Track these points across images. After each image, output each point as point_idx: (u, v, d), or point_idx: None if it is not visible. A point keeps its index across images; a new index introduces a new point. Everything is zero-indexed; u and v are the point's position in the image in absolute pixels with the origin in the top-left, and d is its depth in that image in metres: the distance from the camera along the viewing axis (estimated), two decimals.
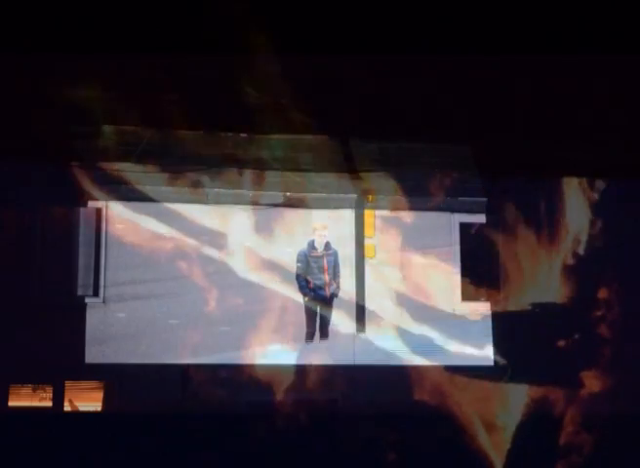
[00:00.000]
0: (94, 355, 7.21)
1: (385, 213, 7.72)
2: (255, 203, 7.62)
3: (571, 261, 7.32)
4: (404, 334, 7.52)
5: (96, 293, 7.38)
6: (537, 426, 6.92)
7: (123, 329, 7.40)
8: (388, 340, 7.51)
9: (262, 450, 6.71)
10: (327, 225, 7.63)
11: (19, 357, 6.97)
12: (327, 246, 7.56)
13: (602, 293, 7.20)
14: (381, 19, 5.69)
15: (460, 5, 5.65)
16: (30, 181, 7.15)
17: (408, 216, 7.75)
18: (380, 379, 7.20)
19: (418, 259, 7.68)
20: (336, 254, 7.60)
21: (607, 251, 7.29)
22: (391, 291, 7.69)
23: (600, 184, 7.33)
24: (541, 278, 7.32)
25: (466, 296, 7.57)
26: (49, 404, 7.11)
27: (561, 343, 7.19)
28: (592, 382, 7.04)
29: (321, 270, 7.51)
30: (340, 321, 7.57)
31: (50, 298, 7.18)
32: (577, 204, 7.34)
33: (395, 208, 7.68)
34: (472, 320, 7.57)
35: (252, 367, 7.27)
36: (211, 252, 7.68)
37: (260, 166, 7.42)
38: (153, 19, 5.67)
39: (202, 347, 7.38)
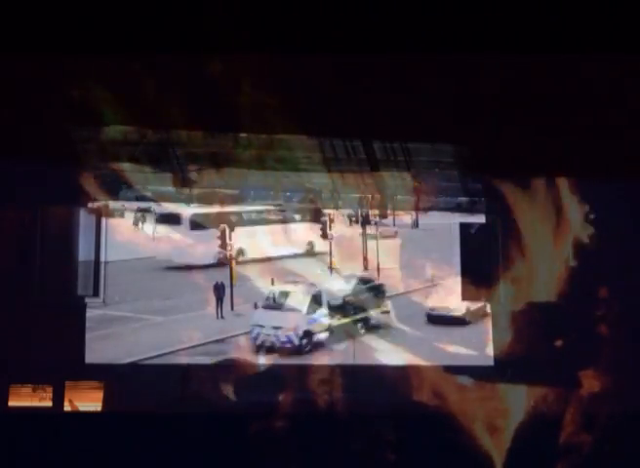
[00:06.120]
0: (94, 355, 7.21)
1: (386, 213, 7.72)
2: (255, 203, 7.63)
3: (571, 261, 7.31)
4: (404, 334, 7.51)
5: (96, 293, 7.38)
6: (537, 426, 6.91)
7: (123, 329, 7.41)
8: (388, 340, 7.51)
9: (263, 450, 6.71)
10: (330, 222, 7.68)
11: (19, 357, 6.97)
12: (329, 244, 7.60)
13: (602, 293, 7.19)
14: (381, 18, 5.70)
15: (458, 4, 5.65)
16: (30, 181, 7.15)
17: (408, 216, 7.76)
18: (380, 379, 7.19)
19: (418, 259, 7.68)
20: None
21: (607, 250, 7.28)
22: (390, 290, 7.69)
23: (599, 184, 7.32)
24: (541, 278, 7.31)
25: (466, 296, 7.57)
26: (49, 404, 7.11)
27: (561, 343, 7.18)
28: (592, 382, 7.03)
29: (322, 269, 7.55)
30: (341, 320, 7.57)
31: (50, 298, 7.18)
32: (576, 204, 7.33)
33: (395, 208, 7.68)
34: (472, 320, 7.57)
35: (251, 366, 7.27)
36: (211, 251, 7.69)
37: (260, 166, 7.42)
38: (153, 19, 5.67)
39: (202, 347, 7.38)
